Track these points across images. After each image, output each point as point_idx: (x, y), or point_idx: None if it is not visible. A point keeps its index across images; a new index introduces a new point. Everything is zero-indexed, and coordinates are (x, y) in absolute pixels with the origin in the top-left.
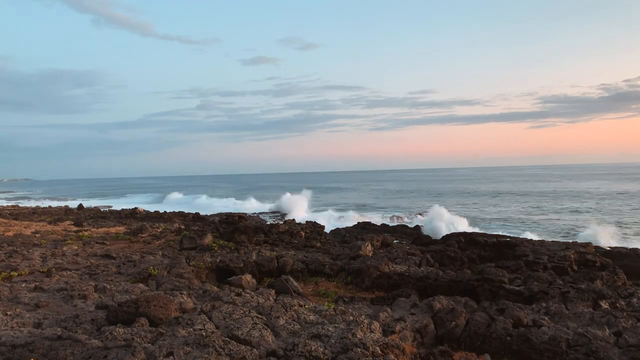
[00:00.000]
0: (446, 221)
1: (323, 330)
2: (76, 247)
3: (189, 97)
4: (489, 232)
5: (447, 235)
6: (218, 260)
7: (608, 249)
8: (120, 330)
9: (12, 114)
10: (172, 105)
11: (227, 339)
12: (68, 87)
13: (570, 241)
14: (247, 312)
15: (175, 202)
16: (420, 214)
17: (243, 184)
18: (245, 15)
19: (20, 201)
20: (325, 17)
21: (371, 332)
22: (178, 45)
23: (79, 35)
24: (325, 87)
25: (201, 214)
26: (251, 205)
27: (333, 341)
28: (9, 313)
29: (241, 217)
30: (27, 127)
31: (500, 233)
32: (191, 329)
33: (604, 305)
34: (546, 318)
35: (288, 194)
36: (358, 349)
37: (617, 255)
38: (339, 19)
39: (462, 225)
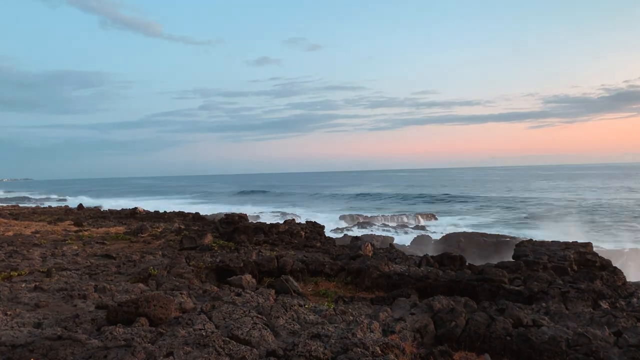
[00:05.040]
0: None
1: (323, 330)
2: (76, 247)
3: (192, 97)
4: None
5: (447, 235)
6: (218, 260)
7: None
8: (120, 330)
9: (15, 115)
10: (175, 106)
11: (227, 338)
12: (73, 87)
13: (570, 241)
14: (247, 312)
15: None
16: (420, 215)
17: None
18: (249, 17)
19: (20, 201)
20: (329, 18)
21: (371, 332)
22: (183, 45)
23: (84, 36)
24: (328, 87)
25: (201, 213)
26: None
27: (333, 341)
28: (9, 313)
29: (241, 217)
30: (29, 128)
31: (500, 233)
32: (191, 329)
33: (604, 305)
34: (546, 318)
35: None
36: (358, 349)
37: None
38: (343, 20)
39: None
